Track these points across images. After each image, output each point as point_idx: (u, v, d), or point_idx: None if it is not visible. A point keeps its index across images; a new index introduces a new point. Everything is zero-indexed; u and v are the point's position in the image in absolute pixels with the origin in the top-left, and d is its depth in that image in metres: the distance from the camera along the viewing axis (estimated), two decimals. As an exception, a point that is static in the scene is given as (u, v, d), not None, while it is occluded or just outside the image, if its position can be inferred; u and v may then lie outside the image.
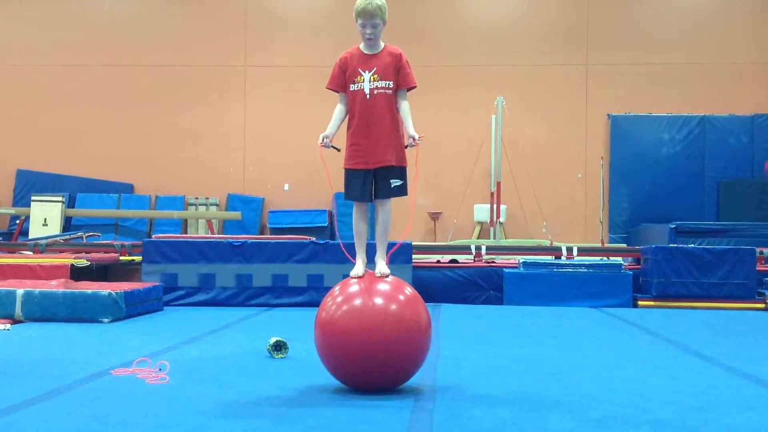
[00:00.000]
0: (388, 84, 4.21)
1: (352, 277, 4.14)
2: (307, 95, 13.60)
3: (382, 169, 4.22)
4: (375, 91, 4.19)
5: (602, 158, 13.49)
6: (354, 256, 4.28)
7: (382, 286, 4.03)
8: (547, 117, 14.15)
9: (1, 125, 14.57)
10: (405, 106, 4.24)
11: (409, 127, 4.20)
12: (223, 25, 14.54)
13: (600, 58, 14.24)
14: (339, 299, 3.98)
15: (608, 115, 14.15)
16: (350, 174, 4.25)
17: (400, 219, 13.81)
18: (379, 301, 3.94)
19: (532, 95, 14.09)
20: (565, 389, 4.11)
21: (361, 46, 4.29)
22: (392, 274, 4.20)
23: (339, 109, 4.32)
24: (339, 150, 4.31)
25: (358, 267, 4.19)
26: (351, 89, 4.24)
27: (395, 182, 4.23)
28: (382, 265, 4.19)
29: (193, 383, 4.16)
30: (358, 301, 3.94)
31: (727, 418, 3.52)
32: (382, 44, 4.29)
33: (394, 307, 3.93)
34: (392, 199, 4.31)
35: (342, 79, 4.28)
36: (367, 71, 4.21)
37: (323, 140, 4.23)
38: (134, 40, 14.57)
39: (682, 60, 14.16)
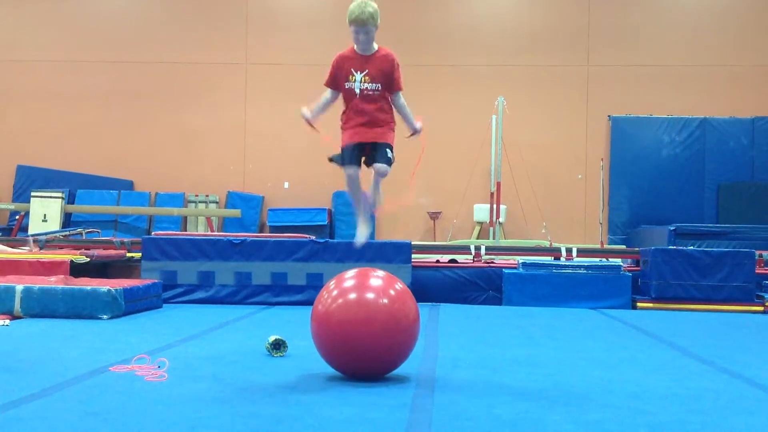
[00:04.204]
0: (377, 86, 4.50)
1: (358, 244, 4.57)
2: (308, 93, 13.43)
3: (376, 143, 4.55)
4: (365, 92, 4.48)
5: (602, 159, 13.51)
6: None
7: (375, 281, 4.27)
8: (547, 118, 14.16)
9: (2, 121, 14.58)
10: (401, 103, 4.61)
11: (411, 120, 4.63)
12: (224, 22, 14.54)
13: (601, 60, 14.25)
14: (334, 293, 4.24)
15: (609, 116, 14.16)
16: (345, 147, 4.61)
17: (401, 219, 13.83)
18: (370, 295, 4.19)
19: (532, 96, 14.10)
20: (564, 391, 4.12)
21: (355, 47, 4.53)
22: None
23: (326, 99, 4.63)
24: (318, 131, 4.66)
25: (362, 230, 4.61)
26: (345, 86, 4.53)
27: (388, 151, 4.57)
28: (375, 198, 4.65)
29: (192, 381, 4.16)
30: (351, 295, 4.21)
31: (725, 421, 3.52)
32: (375, 46, 4.53)
33: (384, 300, 4.18)
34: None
35: (336, 75, 4.56)
36: (359, 72, 4.47)
37: (305, 116, 4.58)
38: (135, 37, 14.57)
39: (682, 62, 14.17)
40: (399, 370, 4.49)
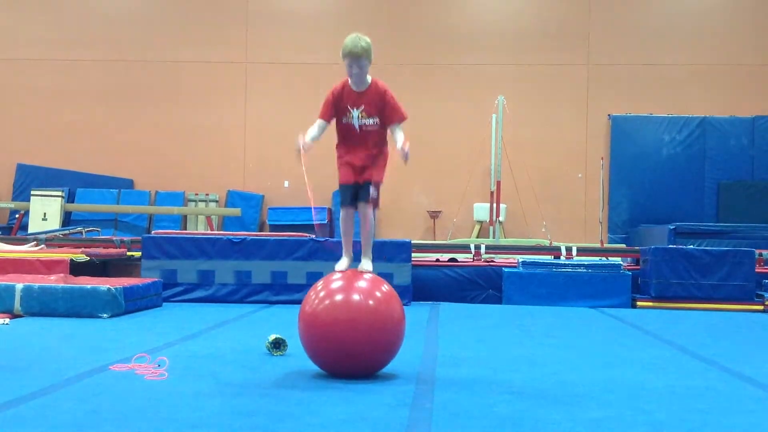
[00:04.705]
0: (375, 121, 4.55)
1: (336, 271, 4.52)
2: (307, 92, 13.59)
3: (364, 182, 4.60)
4: (363, 128, 4.55)
5: (602, 158, 13.50)
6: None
7: (361, 283, 4.34)
8: (547, 117, 14.15)
9: (2, 119, 14.57)
10: (400, 136, 4.53)
11: (400, 141, 4.49)
12: (224, 21, 14.54)
13: (601, 59, 14.24)
14: (321, 294, 4.32)
15: (609, 115, 14.15)
16: (343, 187, 4.67)
17: (401, 218, 13.83)
18: (356, 296, 4.26)
19: (533, 95, 14.09)
20: (564, 389, 4.12)
21: (350, 81, 4.57)
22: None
23: (320, 125, 4.57)
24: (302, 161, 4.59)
25: (344, 261, 4.62)
26: (342, 122, 4.58)
27: (373, 193, 4.59)
28: (366, 263, 4.59)
29: (192, 380, 4.16)
30: (338, 297, 4.28)
31: (724, 419, 3.52)
32: (369, 80, 4.58)
33: (371, 302, 4.26)
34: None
35: (333, 110, 4.57)
36: (355, 108, 4.53)
37: (301, 147, 4.49)
38: (136, 36, 14.56)
39: (683, 61, 14.16)
40: (399, 369, 4.50)
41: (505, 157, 12.40)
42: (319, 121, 4.58)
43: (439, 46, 14.28)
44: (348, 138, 4.59)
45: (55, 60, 14.53)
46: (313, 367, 4.48)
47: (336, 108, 4.56)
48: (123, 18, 14.65)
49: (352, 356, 4.20)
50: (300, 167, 4.43)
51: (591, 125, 14.23)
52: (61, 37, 14.58)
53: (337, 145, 4.66)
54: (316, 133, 4.55)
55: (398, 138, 4.52)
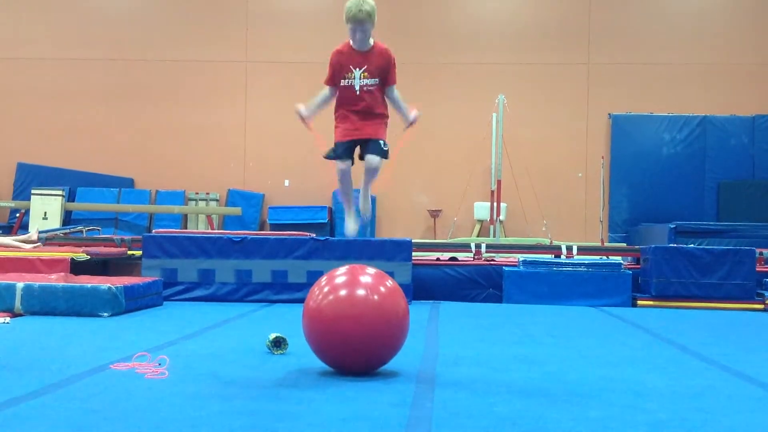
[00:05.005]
0: (376, 82, 4.55)
1: (348, 234, 4.70)
2: (308, 91, 13.44)
3: (370, 139, 4.62)
4: (364, 88, 4.52)
5: (603, 157, 13.50)
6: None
7: (365, 278, 4.33)
8: (548, 116, 14.15)
9: (2, 118, 14.57)
10: (395, 96, 4.64)
11: (405, 112, 4.65)
12: (224, 20, 14.53)
13: (601, 58, 14.24)
14: (326, 289, 4.31)
15: (609, 114, 14.15)
16: (339, 143, 4.65)
17: (401, 217, 13.83)
18: (361, 291, 4.26)
19: (533, 94, 14.09)
20: (564, 388, 4.12)
21: (351, 43, 4.55)
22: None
23: (324, 97, 4.67)
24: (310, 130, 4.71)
25: (350, 222, 4.72)
26: (342, 84, 4.55)
27: (382, 143, 4.60)
28: (364, 205, 4.72)
29: (192, 378, 4.16)
30: (342, 292, 4.27)
31: (725, 419, 3.52)
32: (372, 41, 4.57)
33: (375, 297, 4.25)
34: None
35: (336, 73, 4.59)
36: (357, 68, 4.51)
37: (300, 116, 4.63)
38: (136, 35, 14.56)
39: (683, 60, 14.16)
40: (399, 368, 4.50)
41: (506, 156, 12.39)
42: (323, 91, 4.64)
43: (439, 46, 14.28)
44: (346, 101, 4.57)
45: (56, 59, 14.53)
46: (314, 366, 4.49)
47: (338, 69, 4.55)
48: (123, 18, 14.65)
49: (356, 351, 4.20)
50: (308, 131, 4.56)
51: (591, 124, 14.23)
52: (61, 37, 14.58)
53: (335, 110, 4.66)
54: (316, 105, 4.64)
55: (398, 101, 4.60)
